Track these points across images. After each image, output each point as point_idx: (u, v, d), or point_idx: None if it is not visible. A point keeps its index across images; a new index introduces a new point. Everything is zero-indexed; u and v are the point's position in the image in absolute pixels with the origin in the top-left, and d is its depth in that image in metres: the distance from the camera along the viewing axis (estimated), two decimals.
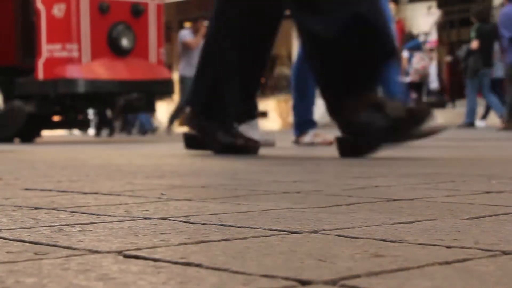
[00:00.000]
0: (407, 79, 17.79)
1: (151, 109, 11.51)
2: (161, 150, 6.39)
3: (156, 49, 10.85)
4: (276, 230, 1.43)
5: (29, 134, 11.91)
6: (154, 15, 10.87)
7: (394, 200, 1.97)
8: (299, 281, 0.96)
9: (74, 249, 1.23)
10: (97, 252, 1.20)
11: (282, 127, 16.45)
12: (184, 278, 0.99)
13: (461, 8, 18.52)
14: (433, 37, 17.75)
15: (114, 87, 10.29)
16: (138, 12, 10.63)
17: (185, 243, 1.28)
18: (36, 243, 1.30)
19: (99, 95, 10.47)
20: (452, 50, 18.11)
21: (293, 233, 1.39)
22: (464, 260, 1.10)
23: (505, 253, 1.15)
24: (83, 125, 12.98)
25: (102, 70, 10.22)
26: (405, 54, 17.36)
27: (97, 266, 1.08)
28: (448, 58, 18.12)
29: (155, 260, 1.12)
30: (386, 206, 1.83)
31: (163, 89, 10.94)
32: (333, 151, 5.28)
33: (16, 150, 7.09)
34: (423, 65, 16.73)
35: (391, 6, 15.63)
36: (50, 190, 2.37)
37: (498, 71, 13.35)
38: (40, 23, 10.23)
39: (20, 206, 1.91)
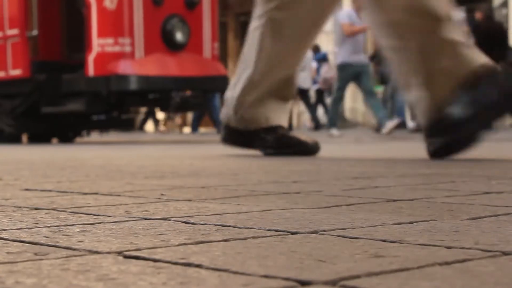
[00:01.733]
0: (315, 87, 19.44)
1: (204, 108, 10.81)
2: (161, 151, 6.39)
3: (211, 43, 10.20)
4: (276, 230, 1.43)
5: (69, 134, 11.19)
6: (208, 8, 10.23)
7: (394, 200, 1.97)
8: (299, 282, 0.96)
9: (74, 249, 1.23)
10: (97, 252, 1.20)
11: None
12: (184, 278, 0.99)
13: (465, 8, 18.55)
14: None
15: (168, 84, 9.63)
16: (192, 4, 10.00)
17: (185, 244, 1.28)
18: (36, 244, 1.30)
19: (152, 93, 9.84)
20: None
21: (293, 233, 1.39)
22: (464, 260, 1.10)
23: (505, 253, 1.15)
24: (128, 125, 12.21)
25: (156, 66, 9.58)
26: (313, 64, 18.89)
27: (97, 267, 1.08)
28: None
29: (155, 260, 1.12)
30: (386, 207, 1.83)
31: (219, 86, 10.15)
32: (333, 152, 5.28)
33: (16, 150, 7.09)
34: (332, 76, 17.34)
35: None
36: (50, 191, 2.37)
37: None
38: (90, 16, 9.57)
39: (20, 207, 1.91)
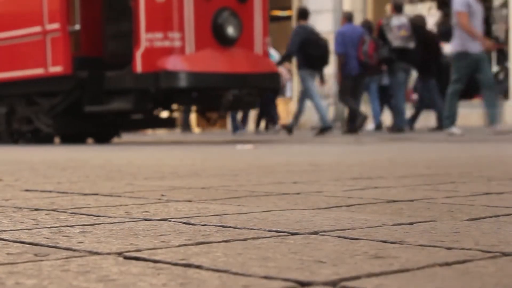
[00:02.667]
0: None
1: (255, 106, 10.19)
2: (161, 151, 6.39)
3: (262, 38, 9.54)
4: (276, 231, 1.43)
5: (107, 134, 10.57)
6: (260, 0, 9.52)
7: (394, 201, 1.97)
8: (300, 283, 0.96)
9: (74, 250, 1.23)
10: (97, 253, 1.20)
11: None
12: (184, 279, 0.99)
13: None
14: None
15: (220, 81, 8.97)
16: None
17: (185, 245, 1.28)
18: (36, 245, 1.30)
19: (203, 90, 9.17)
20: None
21: (293, 234, 1.39)
22: (464, 261, 1.10)
23: (505, 254, 1.15)
24: (168, 124, 11.36)
25: (207, 61, 8.91)
26: None
27: (97, 268, 1.08)
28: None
29: (155, 261, 1.12)
30: (386, 207, 1.83)
31: (270, 83, 9.58)
32: (333, 153, 5.28)
33: (17, 151, 7.09)
34: (286, 78, 17.35)
35: (390, 8, 15.64)
36: (50, 191, 2.37)
37: (386, 79, 13.54)
38: (138, 9, 8.88)
39: (20, 207, 1.91)
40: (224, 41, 8.99)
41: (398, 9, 12.44)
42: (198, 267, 1.07)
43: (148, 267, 1.07)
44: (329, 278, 0.98)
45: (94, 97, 9.30)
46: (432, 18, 17.51)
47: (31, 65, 9.76)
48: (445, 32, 14.01)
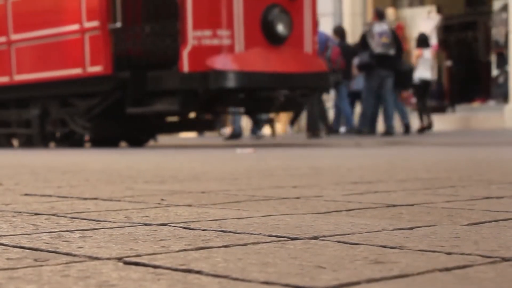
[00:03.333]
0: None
1: (296, 108, 9.68)
2: (161, 155, 6.39)
3: (311, 36, 9.06)
4: (276, 236, 1.43)
5: (141, 137, 10.09)
6: None
7: (394, 205, 1.97)
8: None
9: (74, 255, 1.23)
10: (97, 258, 1.20)
11: (282, 131, 16.50)
12: (184, 285, 0.99)
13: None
14: (433, 41, 17.78)
15: (271, 81, 8.49)
16: None
17: (185, 250, 1.28)
18: (36, 250, 1.30)
19: (252, 91, 8.72)
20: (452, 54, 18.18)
21: (293, 239, 1.39)
22: (464, 266, 1.10)
23: (505, 259, 1.15)
24: (207, 127, 10.91)
25: (257, 61, 8.43)
26: None
27: (97, 273, 1.08)
28: (448, 63, 18.15)
29: (155, 266, 1.12)
30: (386, 212, 1.83)
31: (321, 83, 9.06)
32: (332, 156, 5.29)
33: (17, 154, 7.08)
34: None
35: (391, 11, 15.64)
36: (50, 196, 2.37)
37: (358, 83, 13.62)
38: (185, 6, 8.37)
39: (20, 212, 1.91)
40: (274, 39, 8.59)
41: (380, 16, 12.54)
42: (198, 272, 1.07)
43: (148, 273, 1.07)
44: (329, 284, 0.98)
45: (136, 98, 8.82)
46: (431, 21, 17.52)
47: (68, 65, 9.29)
48: (422, 39, 14.17)
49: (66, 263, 1.16)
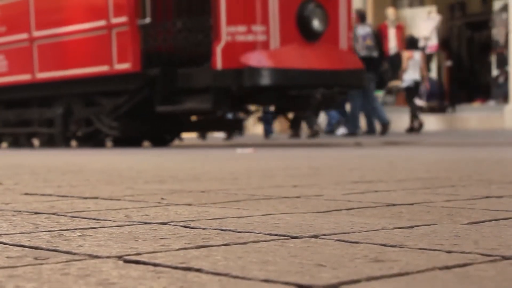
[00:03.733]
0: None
1: (333, 106, 9.28)
2: (161, 155, 6.39)
3: (347, 33, 8.77)
4: (276, 235, 1.43)
5: (166, 136, 9.72)
6: None
7: (394, 205, 1.97)
8: (300, 286, 0.96)
9: (74, 254, 1.23)
10: (97, 257, 1.20)
11: (282, 130, 16.51)
12: (184, 283, 0.99)
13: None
14: (433, 41, 17.77)
15: (308, 79, 8.13)
16: None
17: (185, 248, 1.28)
18: (36, 248, 1.30)
19: (287, 89, 8.37)
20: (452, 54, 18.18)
21: (293, 238, 1.39)
22: (464, 265, 1.10)
23: (505, 258, 1.15)
24: (235, 127, 10.51)
25: (293, 57, 8.11)
26: None
27: (97, 271, 1.08)
28: (448, 63, 18.15)
29: (155, 265, 1.12)
30: (386, 211, 1.83)
31: (357, 81, 8.73)
32: (333, 156, 5.29)
33: (17, 154, 7.08)
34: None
35: (391, 11, 15.64)
36: (50, 195, 2.37)
37: None
38: (219, 0, 8.06)
39: (20, 211, 1.91)
40: (309, 35, 8.27)
41: (362, 18, 12.52)
42: (198, 270, 1.07)
43: (148, 271, 1.07)
44: (329, 282, 0.98)
45: (166, 96, 8.44)
46: (431, 21, 17.52)
47: (93, 62, 8.95)
48: (411, 41, 14.22)
49: (66, 261, 1.16)
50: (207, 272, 1.05)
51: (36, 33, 9.55)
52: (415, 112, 13.97)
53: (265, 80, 7.90)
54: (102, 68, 8.83)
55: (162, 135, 9.71)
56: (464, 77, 18.01)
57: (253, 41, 8.04)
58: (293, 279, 1.00)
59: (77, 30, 9.08)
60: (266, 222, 1.63)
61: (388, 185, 2.62)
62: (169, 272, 1.06)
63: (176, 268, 1.09)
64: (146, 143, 9.59)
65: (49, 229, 1.54)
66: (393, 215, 1.75)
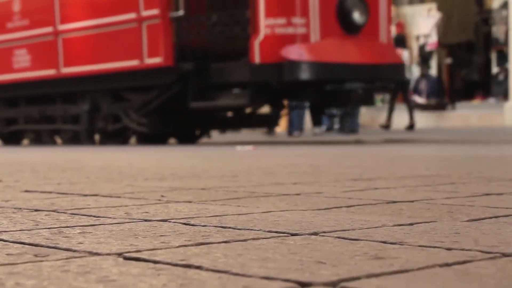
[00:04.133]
0: None
1: (372, 102, 8.92)
2: (161, 153, 6.39)
3: (387, 25, 8.47)
4: (276, 232, 1.43)
5: (194, 133, 9.35)
6: None
7: (394, 202, 1.97)
8: (300, 283, 0.96)
9: (74, 251, 1.23)
10: (97, 254, 1.20)
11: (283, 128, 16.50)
12: (184, 280, 0.99)
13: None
14: (433, 39, 17.78)
15: (349, 73, 7.89)
16: None
17: (185, 245, 1.28)
18: (36, 245, 1.30)
19: (331, 83, 8.22)
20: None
21: (293, 235, 1.39)
22: (464, 262, 1.10)
23: (505, 255, 1.15)
24: (269, 123, 10.10)
25: (334, 51, 7.85)
26: None
27: (97, 268, 1.08)
28: (448, 60, 18.16)
29: (155, 262, 1.12)
30: (386, 208, 1.83)
31: (397, 75, 8.39)
32: (333, 152, 5.29)
33: (17, 151, 7.08)
34: None
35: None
36: (50, 192, 2.37)
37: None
38: None
39: (20, 208, 1.91)
40: (349, 28, 8.00)
41: None
42: (198, 267, 1.07)
43: (148, 268, 1.07)
44: (329, 279, 0.98)
45: (200, 92, 8.15)
46: (431, 19, 17.52)
47: (122, 56, 8.61)
48: (399, 39, 14.22)
49: (66, 258, 1.16)
50: (207, 269, 1.05)
51: (61, 27, 9.25)
52: (392, 110, 13.97)
53: (306, 74, 7.63)
54: (132, 63, 8.53)
55: (191, 132, 9.42)
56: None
57: (293, 34, 7.75)
58: (293, 276, 1.00)
59: (105, 23, 8.77)
60: (266, 219, 1.63)
61: (388, 183, 2.62)
62: (169, 269, 1.06)
63: (176, 265, 1.09)
64: (171, 140, 9.32)
65: (49, 226, 1.54)
66: (393, 212, 1.75)
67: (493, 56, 17.28)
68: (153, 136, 9.00)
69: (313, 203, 1.97)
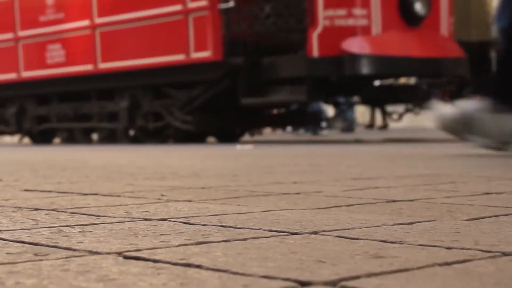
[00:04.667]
0: None
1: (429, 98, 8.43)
2: (161, 152, 6.39)
3: (448, 18, 8.12)
4: (276, 231, 1.43)
5: (235, 131, 9.11)
6: None
7: (394, 201, 1.97)
8: (299, 282, 0.96)
9: (74, 250, 1.23)
10: (97, 253, 1.20)
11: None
12: (184, 279, 0.99)
13: None
14: None
15: (413, 67, 7.59)
16: None
17: (185, 244, 1.28)
18: (36, 244, 1.30)
19: (393, 78, 7.98)
20: None
21: (293, 234, 1.39)
22: (464, 261, 1.10)
23: (505, 254, 1.15)
24: (314, 120, 9.96)
25: (397, 44, 7.55)
26: None
27: (97, 267, 1.08)
28: None
29: (155, 261, 1.12)
30: (386, 207, 1.83)
31: (460, 70, 8.03)
32: (333, 151, 5.30)
33: (16, 151, 7.08)
34: None
35: None
36: (50, 191, 2.37)
37: None
38: None
39: (20, 207, 1.91)
40: (411, 20, 7.71)
41: None
42: (198, 266, 1.07)
43: (148, 267, 1.07)
44: (329, 278, 0.98)
45: (251, 88, 7.78)
46: None
47: (166, 51, 8.28)
48: None
49: (66, 257, 1.16)
50: (207, 268, 1.05)
51: (98, 20, 8.91)
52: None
53: (368, 68, 7.36)
54: (177, 57, 8.20)
55: (232, 130, 9.09)
56: None
57: (353, 25, 7.47)
58: (293, 276, 1.00)
59: (146, 16, 8.42)
60: (266, 218, 1.63)
61: (388, 182, 2.62)
62: (169, 268, 1.06)
63: (176, 264, 1.09)
64: (210, 139, 8.94)
65: (49, 225, 1.54)
66: (393, 211, 1.75)
67: (493, 56, 17.26)
68: (192, 135, 8.65)
69: (313, 202, 1.97)
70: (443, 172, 3.13)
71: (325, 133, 12.54)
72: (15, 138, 10.95)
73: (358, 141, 8.50)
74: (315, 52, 7.37)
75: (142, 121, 8.81)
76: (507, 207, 1.81)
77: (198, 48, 8.04)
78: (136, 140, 9.02)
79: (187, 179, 2.85)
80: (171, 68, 8.31)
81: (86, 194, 2.25)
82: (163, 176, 3.03)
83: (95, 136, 9.81)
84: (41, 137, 10.29)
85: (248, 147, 6.92)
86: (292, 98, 7.69)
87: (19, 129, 10.40)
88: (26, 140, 10.73)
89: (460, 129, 4.51)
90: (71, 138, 9.81)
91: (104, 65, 8.93)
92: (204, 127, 8.57)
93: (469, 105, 4.48)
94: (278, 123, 9.82)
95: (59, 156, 5.51)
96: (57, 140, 10.13)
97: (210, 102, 8.27)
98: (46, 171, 3.51)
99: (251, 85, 7.82)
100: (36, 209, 1.86)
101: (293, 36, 7.78)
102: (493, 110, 4.36)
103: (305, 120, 9.82)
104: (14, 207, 1.91)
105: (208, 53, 7.96)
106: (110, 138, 9.23)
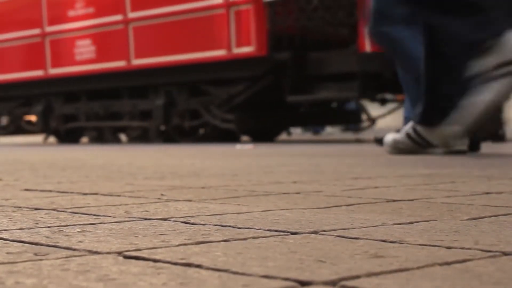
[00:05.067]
0: None
1: None
2: (161, 151, 6.39)
3: None
4: (276, 231, 1.43)
5: (269, 130, 8.68)
6: None
7: (394, 200, 1.97)
8: (299, 282, 0.96)
9: (74, 249, 1.23)
10: (97, 252, 1.20)
11: None
12: (184, 279, 0.99)
13: None
14: None
15: None
16: None
17: (185, 244, 1.28)
18: (36, 244, 1.30)
19: None
20: None
21: (293, 233, 1.39)
22: (464, 260, 1.10)
23: (505, 253, 1.15)
24: (351, 119, 9.23)
25: None
26: None
27: (97, 267, 1.08)
28: None
29: (155, 260, 1.12)
30: (386, 207, 1.83)
31: None
32: (333, 151, 5.29)
33: (17, 150, 7.08)
34: None
35: None
36: (50, 191, 2.37)
37: None
38: None
39: (20, 207, 1.91)
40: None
41: None
42: (198, 266, 1.07)
43: (148, 267, 1.07)
44: (329, 278, 0.98)
45: (297, 84, 7.43)
46: None
47: (205, 46, 7.89)
48: None
49: (66, 257, 1.16)
50: (207, 268, 1.05)
51: (132, 14, 8.50)
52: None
53: None
54: (218, 53, 7.82)
55: (268, 128, 8.68)
56: None
57: None
58: (293, 275, 1.00)
59: (183, 10, 8.06)
60: (265, 218, 1.63)
61: (388, 181, 2.63)
62: (169, 268, 1.06)
63: (176, 264, 1.09)
64: (244, 138, 8.62)
65: (49, 225, 1.54)
66: (393, 211, 1.75)
67: None
68: (225, 134, 8.27)
69: (313, 201, 1.97)
70: (443, 171, 3.13)
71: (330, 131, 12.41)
72: (39, 138, 10.52)
73: (358, 141, 8.52)
74: (368, 46, 7.04)
75: (177, 120, 8.46)
76: (507, 207, 1.81)
77: (241, 43, 7.70)
78: (169, 139, 8.66)
79: (187, 179, 2.85)
80: (210, 64, 7.95)
81: (86, 194, 2.25)
82: (163, 176, 3.03)
83: (123, 136, 9.43)
84: (68, 137, 9.90)
85: (248, 146, 6.92)
86: (342, 95, 7.41)
87: (45, 128, 10.04)
88: (52, 139, 10.36)
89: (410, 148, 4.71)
90: (99, 138, 9.46)
91: (137, 61, 8.55)
92: (247, 126, 8.28)
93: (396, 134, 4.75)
94: (316, 121, 9.50)
95: (59, 155, 5.51)
96: (84, 139, 9.78)
97: (250, 100, 7.96)
98: (46, 170, 3.51)
99: (296, 81, 7.51)
100: (36, 209, 1.86)
101: (342, 31, 7.50)
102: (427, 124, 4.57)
103: (345, 119, 9.45)
104: (14, 207, 1.91)
105: (252, 48, 7.62)
106: (142, 137, 8.85)
